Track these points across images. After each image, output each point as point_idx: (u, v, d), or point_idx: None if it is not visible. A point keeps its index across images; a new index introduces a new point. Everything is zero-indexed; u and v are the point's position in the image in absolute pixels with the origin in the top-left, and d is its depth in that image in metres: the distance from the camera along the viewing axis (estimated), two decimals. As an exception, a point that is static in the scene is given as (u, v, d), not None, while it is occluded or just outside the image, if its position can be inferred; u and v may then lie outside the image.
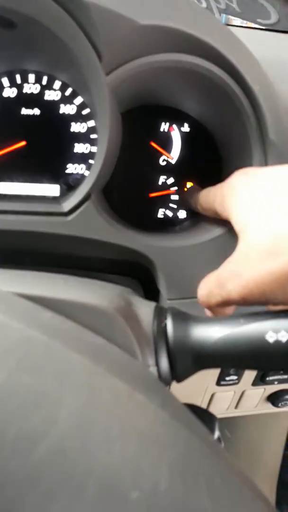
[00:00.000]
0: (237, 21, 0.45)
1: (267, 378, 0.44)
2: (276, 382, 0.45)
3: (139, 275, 0.36)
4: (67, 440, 0.10)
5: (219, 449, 0.14)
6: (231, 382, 0.44)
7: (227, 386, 0.44)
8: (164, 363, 0.21)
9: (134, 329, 0.21)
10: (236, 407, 0.49)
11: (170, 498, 0.10)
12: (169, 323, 0.22)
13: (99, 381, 0.13)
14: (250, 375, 0.44)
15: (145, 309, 0.22)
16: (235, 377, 0.44)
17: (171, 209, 0.39)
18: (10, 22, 0.28)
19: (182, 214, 0.39)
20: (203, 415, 0.25)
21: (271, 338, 0.20)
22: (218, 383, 0.44)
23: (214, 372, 0.43)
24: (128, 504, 0.10)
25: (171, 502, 0.10)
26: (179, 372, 0.21)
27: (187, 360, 0.21)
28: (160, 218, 0.39)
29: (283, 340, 0.19)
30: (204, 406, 0.48)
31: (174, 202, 0.39)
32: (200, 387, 0.45)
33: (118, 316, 0.20)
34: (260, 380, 0.45)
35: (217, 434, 0.25)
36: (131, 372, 0.16)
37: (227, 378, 0.43)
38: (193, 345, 0.21)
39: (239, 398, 0.48)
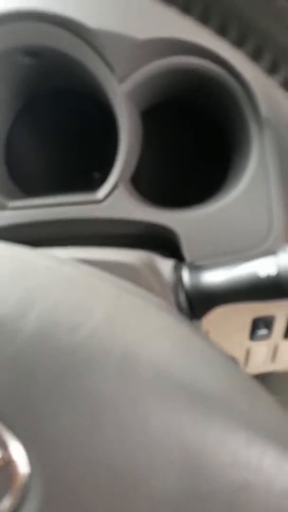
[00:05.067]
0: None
1: (296, 330, 0.49)
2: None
3: (167, 247, 0.42)
4: (98, 330, 0.16)
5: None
6: (262, 336, 0.49)
7: (260, 341, 0.50)
8: (183, 304, 0.27)
9: (158, 278, 0.27)
10: (273, 361, 0.54)
11: (173, 365, 0.16)
12: (185, 273, 0.28)
13: (123, 298, 0.19)
14: (279, 328, 0.49)
15: (166, 264, 0.29)
16: (265, 331, 0.49)
17: (191, 186, 0.45)
18: (35, 52, 0.35)
19: (208, 185, 0.45)
20: None
21: (263, 273, 0.25)
22: (251, 338, 0.49)
23: (245, 325, 0.48)
24: (139, 370, 0.16)
25: (174, 368, 0.16)
26: (196, 311, 0.27)
27: (202, 299, 0.27)
28: (182, 195, 0.45)
29: (272, 275, 0.25)
30: (240, 362, 0.54)
31: (193, 180, 0.45)
32: (234, 342, 0.50)
33: (144, 268, 0.26)
34: (290, 333, 0.49)
35: None
36: (151, 300, 0.22)
37: (259, 332, 0.49)
38: (204, 287, 0.27)
39: (275, 352, 0.52)
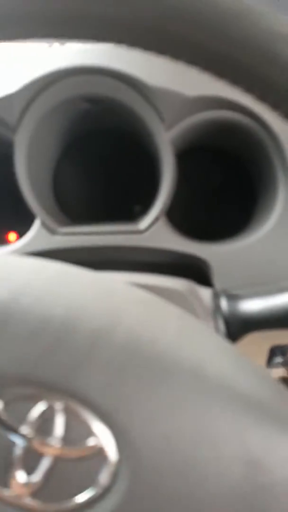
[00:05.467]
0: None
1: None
2: None
3: (196, 276, 0.46)
4: (171, 345, 0.18)
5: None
6: (278, 364, 0.52)
7: (276, 368, 0.53)
8: (221, 327, 0.31)
9: (200, 305, 0.31)
10: (286, 388, 0.56)
11: (233, 377, 0.19)
12: (223, 300, 0.32)
13: (184, 318, 0.22)
14: (294, 357, 0.52)
15: (205, 292, 0.32)
16: (281, 359, 0.52)
17: (222, 218, 0.49)
18: (94, 100, 0.40)
19: (233, 221, 0.49)
20: None
21: (294, 304, 0.29)
22: (268, 365, 0.52)
23: (263, 353, 0.51)
24: (205, 381, 0.19)
25: (234, 380, 0.19)
26: (232, 334, 0.31)
27: (239, 325, 0.31)
28: (213, 227, 0.49)
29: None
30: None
31: (223, 212, 0.49)
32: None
33: (190, 295, 0.30)
34: (304, 362, 0.53)
35: None
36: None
37: (275, 360, 0.52)
38: (242, 314, 0.31)
39: (288, 380, 0.55)
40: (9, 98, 0.37)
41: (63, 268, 0.23)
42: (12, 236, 0.52)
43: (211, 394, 0.18)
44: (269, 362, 0.52)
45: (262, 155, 0.42)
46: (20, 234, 0.51)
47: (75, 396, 0.17)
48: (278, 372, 0.54)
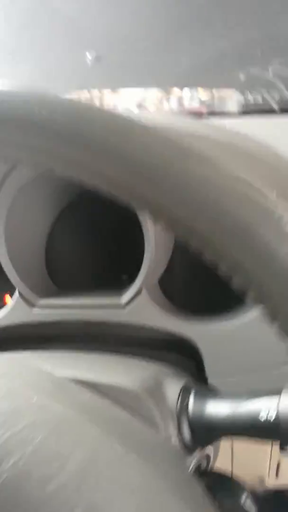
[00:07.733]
0: None
1: None
2: None
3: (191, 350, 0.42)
4: (66, 485, 0.17)
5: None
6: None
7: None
8: (186, 433, 0.27)
9: (160, 406, 0.27)
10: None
11: None
12: (191, 401, 0.28)
13: (104, 444, 0.19)
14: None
15: (173, 388, 0.29)
16: None
17: (222, 293, 0.45)
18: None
19: (231, 297, 0.45)
20: (229, 483, 0.30)
21: (262, 417, 0.24)
22: (281, 449, 0.46)
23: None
24: None
25: None
26: (199, 441, 0.27)
27: (203, 430, 0.26)
28: (211, 302, 0.45)
29: (271, 419, 0.24)
30: (272, 474, 0.50)
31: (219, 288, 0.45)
32: (265, 454, 0.47)
33: (147, 396, 0.26)
34: None
35: (243, 500, 0.29)
36: (139, 440, 0.22)
37: (288, 446, 0.45)
38: (207, 419, 0.26)
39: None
40: None
41: None
42: (8, 299, 0.51)
43: None
44: (281, 445, 0.45)
45: None
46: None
47: None
48: None
